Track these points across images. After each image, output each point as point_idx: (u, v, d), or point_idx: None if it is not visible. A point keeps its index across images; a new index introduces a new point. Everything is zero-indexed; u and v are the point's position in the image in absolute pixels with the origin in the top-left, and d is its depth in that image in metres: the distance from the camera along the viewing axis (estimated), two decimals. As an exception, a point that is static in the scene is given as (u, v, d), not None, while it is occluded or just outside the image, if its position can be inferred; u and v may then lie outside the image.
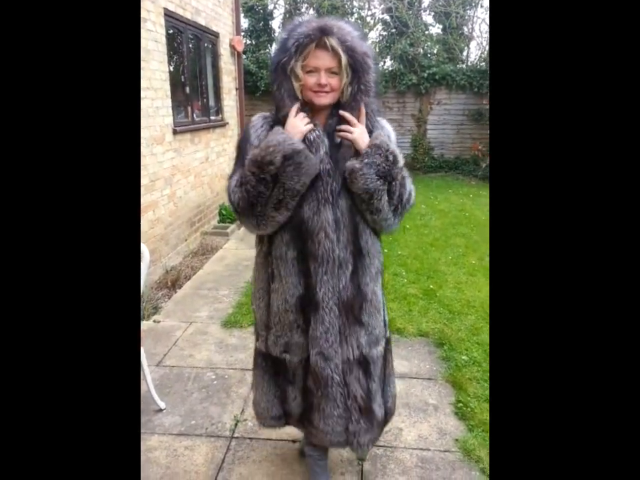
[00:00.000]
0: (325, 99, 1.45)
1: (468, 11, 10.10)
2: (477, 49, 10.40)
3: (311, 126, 1.45)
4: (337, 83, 1.44)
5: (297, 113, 1.45)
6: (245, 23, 10.13)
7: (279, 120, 1.49)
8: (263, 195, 1.42)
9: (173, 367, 2.85)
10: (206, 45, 5.77)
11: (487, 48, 10.01)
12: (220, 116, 6.30)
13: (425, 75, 9.50)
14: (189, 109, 5.18)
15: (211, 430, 2.29)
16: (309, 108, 1.48)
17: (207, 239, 5.44)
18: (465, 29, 10.25)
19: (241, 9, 7.19)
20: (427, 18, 10.43)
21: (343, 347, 1.56)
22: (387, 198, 1.46)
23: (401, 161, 1.48)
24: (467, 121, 9.70)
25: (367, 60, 1.43)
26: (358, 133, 1.45)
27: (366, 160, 1.42)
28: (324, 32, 1.38)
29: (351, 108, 1.47)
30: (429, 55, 9.99)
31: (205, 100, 5.77)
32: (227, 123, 6.45)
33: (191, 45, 5.26)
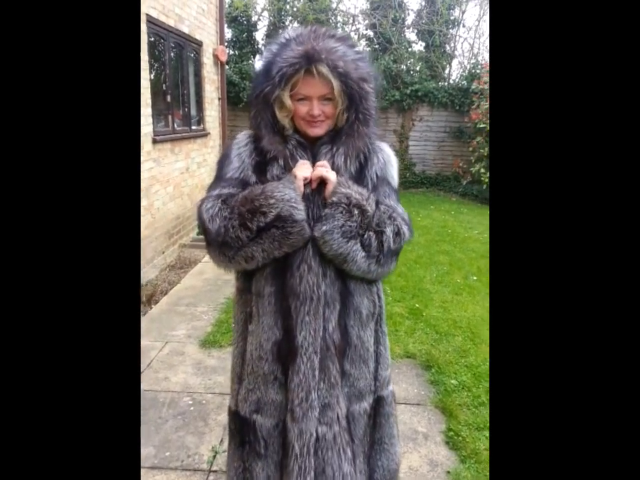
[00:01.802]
0: (319, 129, 1.30)
1: (450, 30, 10.23)
2: (458, 68, 10.51)
3: (301, 189, 1.26)
4: (331, 110, 1.28)
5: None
6: (228, 33, 10.05)
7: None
8: (240, 241, 1.23)
9: (147, 391, 2.67)
10: (189, 53, 5.65)
11: (468, 67, 10.14)
12: (202, 126, 6.16)
13: (408, 91, 9.55)
14: (170, 118, 5.03)
15: (187, 462, 2.12)
16: (300, 135, 1.33)
17: (186, 251, 5.27)
18: (447, 47, 10.37)
19: (225, 19, 7.10)
20: (410, 35, 10.53)
21: (314, 407, 1.29)
22: (362, 254, 1.26)
23: (371, 206, 1.27)
24: (447, 137, 9.78)
25: (364, 85, 1.26)
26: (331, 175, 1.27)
27: (325, 227, 1.22)
28: (311, 59, 1.20)
29: (347, 135, 1.30)
30: (411, 72, 10.06)
31: (186, 109, 5.63)
32: (209, 133, 6.31)
33: (173, 53, 5.13)
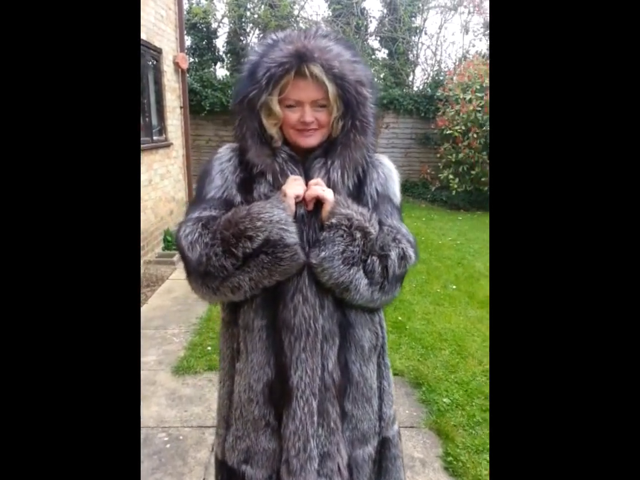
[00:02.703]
0: (312, 139, 1.14)
1: (413, 37, 10.30)
2: (422, 75, 10.59)
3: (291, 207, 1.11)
4: (325, 117, 1.12)
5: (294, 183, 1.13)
6: (187, 40, 9.79)
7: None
8: (224, 270, 1.07)
9: (116, 428, 2.42)
10: (148, 61, 5.39)
11: (431, 74, 10.22)
12: (164, 136, 5.89)
13: (373, 98, 9.52)
14: (131, 128, 4.76)
15: (166, 512, 1.90)
16: (291, 148, 1.17)
17: (151, 268, 4.98)
18: (410, 54, 10.43)
19: (184, 25, 6.87)
20: (373, 43, 10.55)
21: (313, 458, 1.13)
22: (366, 281, 1.12)
23: (374, 227, 1.12)
24: (414, 144, 9.80)
25: (362, 90, 1.12)
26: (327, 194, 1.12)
27: (324, 253, 1.08)
28: (303, 58, 1.06)
29: (343, 145, 1.15)
30: (376, 79, 10.06)
31: (147, 119, 5.35)
32: (171, 144, 6.05)
33: (132, 60, 4.86)
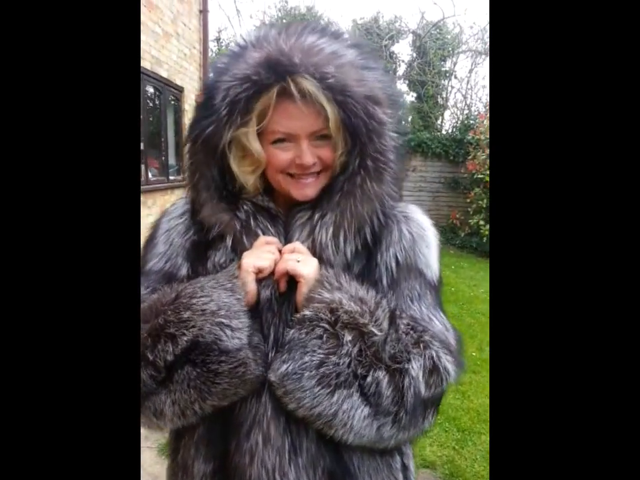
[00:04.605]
0: (310, 189, 0.77)
1: (443, 81, 10.13)
2: (451, 118, 10.33)
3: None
4: (330, 153, 0.76)
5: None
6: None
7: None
8: (143, 386, 0.71)
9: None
10: (169, 99, 5.22)
11: (461, 118, 9.96)
12: (182, 176, 5.66)
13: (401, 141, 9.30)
14: (142, 167, 4.52)
15: None
16: (274, 199, 0.81)
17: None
18: (439, 98, 10.23)
19: (209, 65, 6.78)
20: (402, 86, 10.40)
21: None
22: (365, 411, 0.71)
23: (380, 324, 0.73)
24: (442, 188, 9.48)
25: (375, 111, 0.73)
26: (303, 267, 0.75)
27: (286, 366, 0.71)
28: (280, 70, 0.69)
29: (344, 193, 0.76)
30: (404, 122, 9.86)
31: (163, 158, 5.14)
32: (189, 184, 5.82)
33: (147, 97, 4.69)
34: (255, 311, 0.75)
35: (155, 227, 0.86)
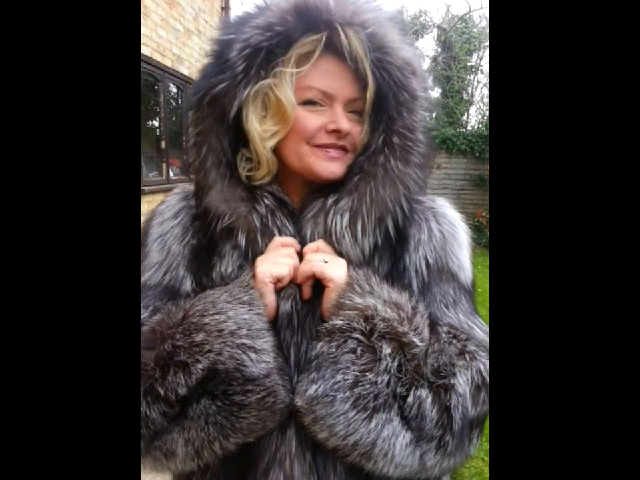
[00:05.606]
0: (338, 165, 0.67)
1: (468, 76, 9.92)
2: (476, 114, 10.12)
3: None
4: (359, 132, 0.67)
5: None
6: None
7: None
8: (151, 424, 0.60)
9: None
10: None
11: (487, 113, 9.75)
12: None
13: (425, 137, 9.19)
14: (164, 165, 4.51)
15: None
16: (280, 179, 0.71)
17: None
18: (465, 93, 10.03)
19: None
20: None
21: None
22: (407, 437, 0.61)
23: (420, 332, 0.63)
24: (468, 186, 9.29)
25: (411, 82, 0.65)
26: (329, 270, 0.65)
27: (314, 388, 0.60)
28: (314, 17, 0.61)
29: (363, 174, 0.67)
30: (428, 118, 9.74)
31: (185, 157, 5.14)
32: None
33: (169, 96, 4.68)
34: (274, 327, 0.65)
35: (144, 231, 0.73)
